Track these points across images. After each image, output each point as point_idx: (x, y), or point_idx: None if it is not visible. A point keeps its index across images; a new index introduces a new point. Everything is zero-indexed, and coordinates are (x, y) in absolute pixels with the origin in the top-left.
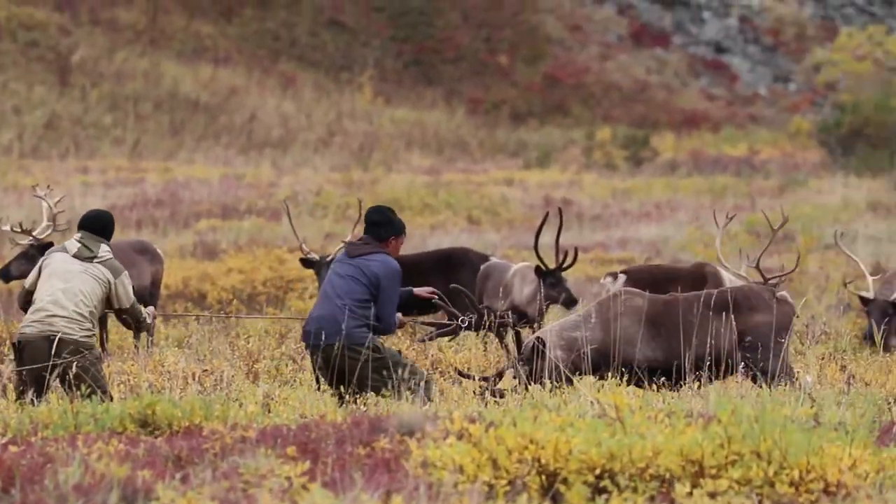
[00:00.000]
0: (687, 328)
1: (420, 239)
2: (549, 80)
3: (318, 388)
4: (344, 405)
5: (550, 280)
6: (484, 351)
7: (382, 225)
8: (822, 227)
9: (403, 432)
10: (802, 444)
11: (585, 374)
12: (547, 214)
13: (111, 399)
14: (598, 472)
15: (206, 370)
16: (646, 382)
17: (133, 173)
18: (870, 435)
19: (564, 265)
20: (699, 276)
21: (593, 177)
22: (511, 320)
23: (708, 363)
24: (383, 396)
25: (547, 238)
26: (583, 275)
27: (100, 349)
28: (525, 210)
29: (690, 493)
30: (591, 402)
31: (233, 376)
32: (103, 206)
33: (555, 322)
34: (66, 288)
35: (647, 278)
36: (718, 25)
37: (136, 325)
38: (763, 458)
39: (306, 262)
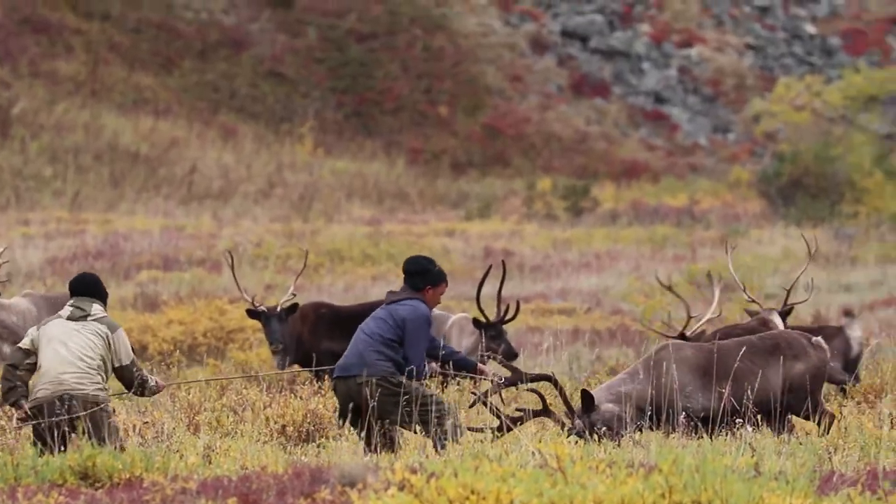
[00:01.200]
0: (736, 374)
1: (361, 290)
2: (489, 130)
3: (341, 425)
4: (372, 441)
5: (491, 332)
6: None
7: (416, 275)
8: (762, 277)
9: (345, 483)
10: (743, 494)
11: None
12: (490, 267)
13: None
14: None
15: (146, 422)
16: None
17: (73, 225)
18: (810, 484)
19: (506, 318)
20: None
21: (534, 227)
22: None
23: (756, 409)
24: (413, 432)
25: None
26: (524, 325)
27: (111, 405)
28: (466, 261)
29: None
30: (533, 453)
31: (174, 428)
32: (44, 258)
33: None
34: (69, 348)
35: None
36: (658, 76)
37: (139, 388)
38: None
39: (252, 313)
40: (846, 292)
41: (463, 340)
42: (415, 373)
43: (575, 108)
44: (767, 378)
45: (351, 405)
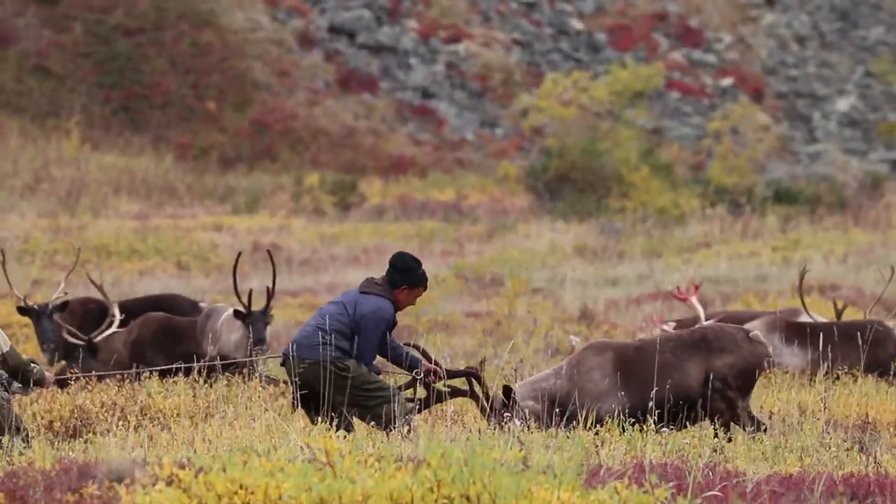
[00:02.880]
0: (659, 370)
1: (129, 285)
2: (257, 125)
3: (296, 406)
4: (320, 423)
5: (249, 321)
6: (193, 396)
7: (399, 271)
8: (529, 272)
9: (112, 478)
10: (511, 488)
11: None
12: (239, 255)
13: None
14: None
15: None
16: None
17: None
18: (577, 478)
19: (267, 309)
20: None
21: (302, 222)
22: (476, 370)
23: (679, 404)
24: (361, 419)
25: (258, 283)
26: (292, 320)
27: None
28: (233, 255)
29: None
30: (302, 447)
31: None
32: None
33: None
34: None
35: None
36: (425, 71)
37: (23, 376)
38: (472, 501)
39: (23, 310)
40: (613, 286)
41: (232, 335)
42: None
43: (342, 104)
44: (687, 372)
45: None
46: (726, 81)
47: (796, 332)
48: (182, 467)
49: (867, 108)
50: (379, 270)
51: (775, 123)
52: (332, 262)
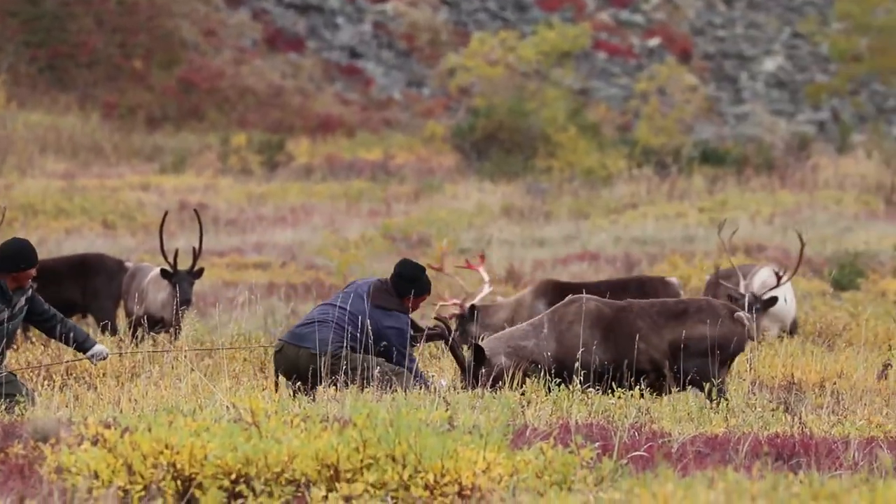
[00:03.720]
0: (636, 333)
1: (55, 244)
2: (184, 84)
3: (275, 391)
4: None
5: (175, 280)
6: (119, 356)
7: (407, 280)
8: (457, 232)
9: (38, 438)
10: (437, 448)
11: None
12: (166, 214)
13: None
14: (233, 476)
15: None
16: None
17: None
18: (503, 438)
19: (195, 269)
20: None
21: (229, 181)
22: (447, 330)
23: (649, 369)
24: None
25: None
26: (219, 280)
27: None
28: (160, 215)
29: (326, 498)
30: (227, 407)
31: None
32: None
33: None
34: None
35: None
36: (353, 31)
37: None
38: (398, 461)
39: None
40: (540, 247)
41: (159, 294)
42: (416, 374)
43: (270, 63)
44: (663, 338)
45: (291, 373)
46: (653, 42)
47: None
48: (108, 427)
49: (794, 68)
50: (307, 231)
51: (702, 84)
52: (259, 222)
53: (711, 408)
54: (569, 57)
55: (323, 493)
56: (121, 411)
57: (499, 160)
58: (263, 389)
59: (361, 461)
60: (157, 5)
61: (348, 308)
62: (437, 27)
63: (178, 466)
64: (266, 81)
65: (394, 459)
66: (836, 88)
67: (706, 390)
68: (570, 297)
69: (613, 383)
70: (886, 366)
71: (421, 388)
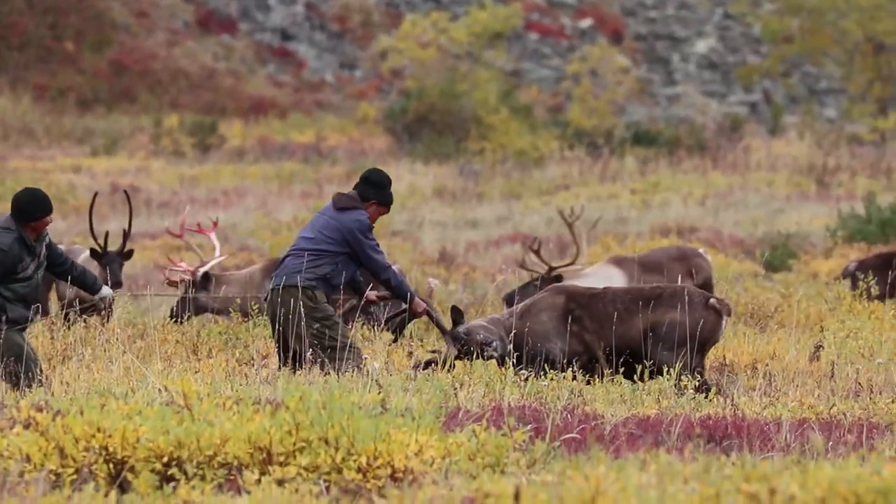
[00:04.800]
0: (608, 319)
1: None
2: (115, 66)
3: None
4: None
5: (105, 261)
6: (51, 338)
7: (372, 185)
8: (389, 214)
9: None
10: (370, 431)
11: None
12: (95, 194)
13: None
14: (165, 459)
15: None
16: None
17: None
18: (436, 421)
19: (125, 250)
20: None
21: (161, 164)
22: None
23: (623, 356)
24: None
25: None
26: (151, 262)
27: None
28: (92, 197)
29: (259, 481)
30: (160, 390)
31: None
32: None
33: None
34: None
35: None
36: (285, 12)
37: None
38: (331, 444)
39: None
40: (473, 228)
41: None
42: (392, 283)
43: (202, 45)
44: (635, 324)
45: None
46: (585, 23)
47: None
48: (40, 410)
49: (726, 50)
50: (240, 212)
51: (634, 65)
52: (191, 204)
53: (643, 389)
54: (500, 38)
55: (256, 476)
56: (52, 394)
57: (431, 142)
58: (196, 372)
59: (294, 444)
60: None
61: (308, 232)
62: (369, 9)
63: (111, 450)
64: (198, 63)
65: (326, 442)
66: (767, 70)
67: (675, 377)
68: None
69: (589, 371)
70: (818, 347)
71: (408, 292)
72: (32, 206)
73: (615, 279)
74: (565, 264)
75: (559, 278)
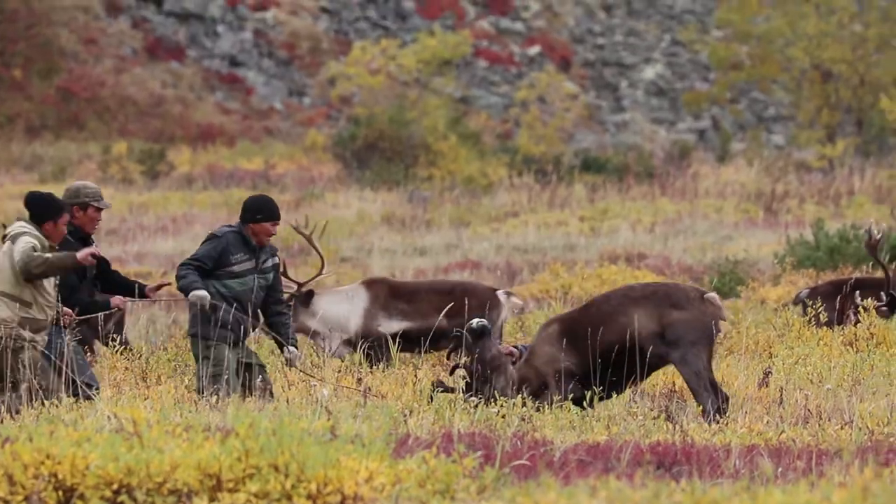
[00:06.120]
0: (604, 320)
1: None
2: (63, 93)
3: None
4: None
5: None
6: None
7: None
8: (338, 241)
9: None
10: (319, 457)
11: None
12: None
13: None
14: (115, 487)
15: None
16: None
17: None
18: (386, 447)
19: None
20: None
21: (110, 191)
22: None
23: (622, 353)
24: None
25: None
26: None
27: (26, 339)
28: None
29: None
30: (109, 417)
31: None
32: None
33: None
34: None
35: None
36: (233, 39)
37: (50, 272)
38: (281, 471)
39: None
40: (421, 255)
41: None
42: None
43: (150, 72)
44: (633, 320)
45: None
46: (534, 50)
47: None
48: None
49: (674, 76)
50: (188, 240)
51: (582, 92)
52: (140, 231)
53: (593, 416)
54: (449, 65)
55: (205, 502)
56: (1, 421)
57: (380, 169)
58: (145, 399)
59: (244, 471)
60: (37, 13)
61: None
62: (318, 36)
63: (60, 477)
64: (147, 90)
65: (276, 469)
66: (715, 97)
67: (699, 387)
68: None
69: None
70: (767, 373)
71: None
72: (253, 209)
73: (358, 300)
74: (312, 278)
75: (311, 294)
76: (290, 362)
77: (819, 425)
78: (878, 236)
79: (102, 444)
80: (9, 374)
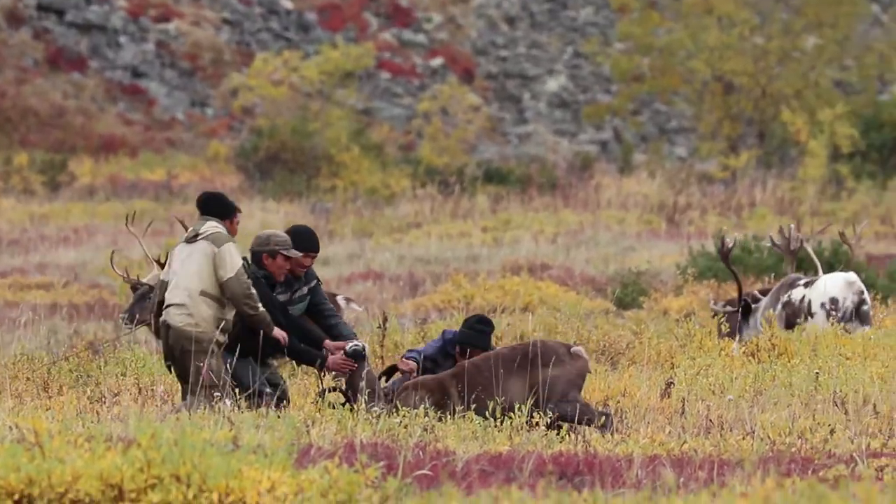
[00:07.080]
0: (473, 391)
1: None
2: None
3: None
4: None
5: None
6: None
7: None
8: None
9: None
10: (221, 468)
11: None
12: None
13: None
14: (16, 497)
15: None
16: None
17: None
18: (288, 458)
19: None
20: None
21: (11, 202)
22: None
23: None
24: None
25: None
26: (1, 300)
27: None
28: None
29: None
30: (11, 427)
31: None
32: None
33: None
34: (179, 275)
35: None
36: (135, 50)
37: (250, 321)
38: (183, 481)
39: None
40: (324, 265)
41: None
42: None
43: (51, 82)
44: (511, 387)
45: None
46: (436, 62)
47: None
48: None
49: (577, 88)
50: (90, 251)
51: (485, 104)
52: (41, 242)
53: (496, 426)
54: (352, 77)
55: None
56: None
57: (282, 180)
58: (47, 409)
59: (146, 481)
60: None
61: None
62: (220, 47)
63: None
64: (48, 101)
65: (178, 479)
66: (617, 108)
67: (584, 417)
68: (403, 383)
69: None
70: (669, 384)
71: None
72: (293, 240)
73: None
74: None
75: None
76: (357, 354)
77: (721, 436)
78: (731, 245)
79: (4, 455)
80: (192, 375)
